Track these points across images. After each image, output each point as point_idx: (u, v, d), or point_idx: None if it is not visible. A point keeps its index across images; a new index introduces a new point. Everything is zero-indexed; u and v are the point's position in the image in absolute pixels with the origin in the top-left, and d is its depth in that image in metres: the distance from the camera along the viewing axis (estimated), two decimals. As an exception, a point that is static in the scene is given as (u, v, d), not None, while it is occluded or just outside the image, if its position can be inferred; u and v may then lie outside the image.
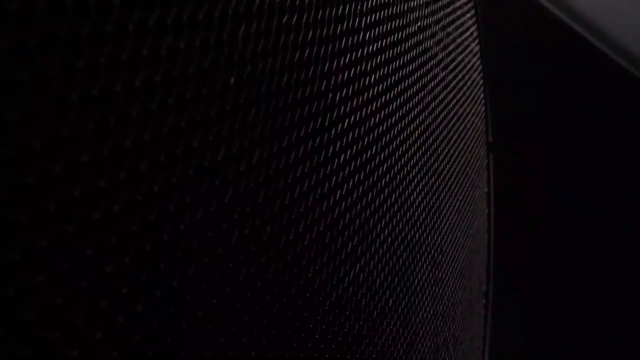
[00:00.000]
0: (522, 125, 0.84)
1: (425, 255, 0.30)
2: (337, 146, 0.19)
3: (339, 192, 0.19)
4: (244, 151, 0.14)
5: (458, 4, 0.35)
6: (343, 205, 0.19)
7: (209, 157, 0.13)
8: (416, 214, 0.28)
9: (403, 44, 0.25)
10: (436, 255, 0.32)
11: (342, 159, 0.19)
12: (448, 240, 0.34)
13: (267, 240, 0.16)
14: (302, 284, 0.17)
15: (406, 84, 0.26)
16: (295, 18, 0.16)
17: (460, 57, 0.37)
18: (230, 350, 0.15)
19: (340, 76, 0.19)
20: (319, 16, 0.17)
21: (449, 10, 0.33)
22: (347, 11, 0.19)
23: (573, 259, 0.84)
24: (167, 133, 0.12)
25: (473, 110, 0.41)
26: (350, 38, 0.20)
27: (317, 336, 0.18)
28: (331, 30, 0.18)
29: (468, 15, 0.38)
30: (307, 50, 0.17)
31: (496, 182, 0.51)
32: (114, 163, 0.11)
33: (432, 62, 0.30)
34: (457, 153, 0.36)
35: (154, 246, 0.12)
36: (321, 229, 0.18)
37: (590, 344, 0.84)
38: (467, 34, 0.39)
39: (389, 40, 0.24)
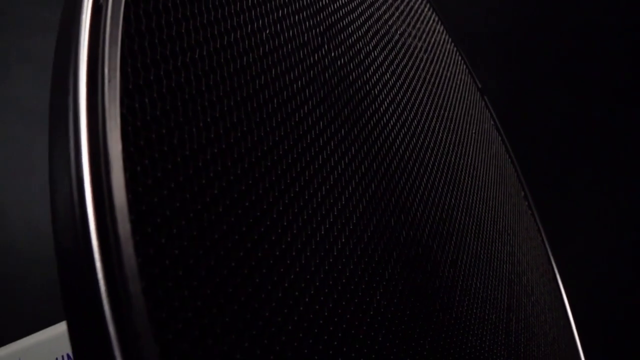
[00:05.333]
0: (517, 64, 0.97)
1: (463, 171, 0.44)
2: (398, 120, 0.34)
3: (408, 138, 0.33)
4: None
5: (415, 6, 0.50)
6: (413, 144, 0.34)
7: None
8: (446, 146, 0.42)
9: (394, 49, 0.40)
10: (471, 170, 0.46)
11: (401, 122, 0.34)
12: (477, 160, 0.48)
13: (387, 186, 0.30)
14: (406, 196, 0.31)
15: (407, 71, 0.41)
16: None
17: (433, 39, 0.52)
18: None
19: (370, 77, 0.34)
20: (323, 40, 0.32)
21: (412, 13, 0.48)
22: (339, 33, 0.34)
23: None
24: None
25: (457, 70, 0.55)
26: (354, 56, 0.35)
27: (412, 221, 0.32)
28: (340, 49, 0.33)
29: (425, 8, 0.53)
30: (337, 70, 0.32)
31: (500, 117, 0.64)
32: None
33: (415, 51, 0.45)
34: (458, 103, 0.51)
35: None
36: (405, 160, 0.32)
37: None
38: (431, 21, 0.53)
39: (385, 50, 0.39)
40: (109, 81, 0.17)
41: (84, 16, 0.18)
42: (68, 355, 0.31)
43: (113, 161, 0.16)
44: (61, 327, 0.32)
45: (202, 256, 0.17)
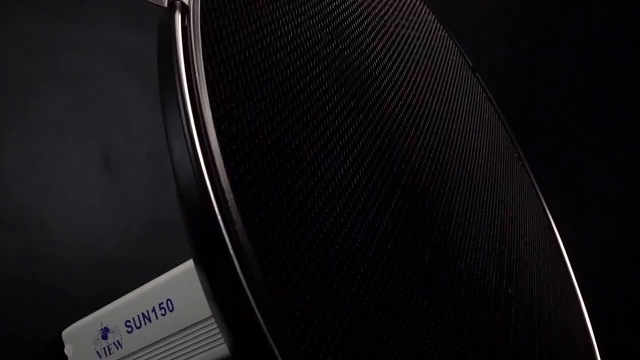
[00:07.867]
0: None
1: (456, 134, 0.54)
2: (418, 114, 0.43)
3: (426, 121, 0.43)
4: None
5: (407, 1, 0.59)
6: (410, 113, 0.44)
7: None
8: (439, 114, 0.52)
9: (390, 39, 0.50)
10: (463, 134, 0.55)
11: (421, 118, 0.44)
12: (469, 126, 0.58)
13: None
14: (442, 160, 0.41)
15: (402, 55, 0.50)
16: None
17: (425, 27, 0.61)
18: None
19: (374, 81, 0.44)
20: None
21: (404, 7, 0.57)
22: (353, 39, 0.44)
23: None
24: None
25: (450, 51, 0.64)
26: (361, 56, 0.44)
27: (410, 169, 0.42)
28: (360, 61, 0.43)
29: (417, 2, 0.63)
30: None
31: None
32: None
33: (409, 39, 0.54)
34: (450, 79, 0.60)
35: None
36: (403, 125, 0.42)
37: None
38: (422, 12, 0.63)
39: (382, 40, 0.48)
40: (199, 75, 0.27)
41: (178, 33, 0.28)
42: (169, 300, 0.41)
43: (207, 123, 0.26)
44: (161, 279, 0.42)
45: (268, 177, 0.27)
